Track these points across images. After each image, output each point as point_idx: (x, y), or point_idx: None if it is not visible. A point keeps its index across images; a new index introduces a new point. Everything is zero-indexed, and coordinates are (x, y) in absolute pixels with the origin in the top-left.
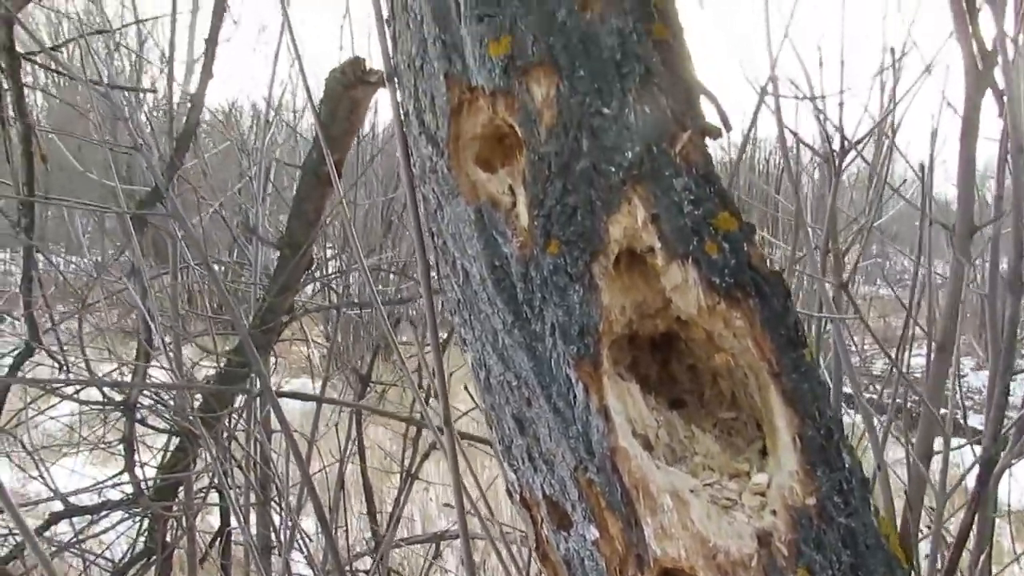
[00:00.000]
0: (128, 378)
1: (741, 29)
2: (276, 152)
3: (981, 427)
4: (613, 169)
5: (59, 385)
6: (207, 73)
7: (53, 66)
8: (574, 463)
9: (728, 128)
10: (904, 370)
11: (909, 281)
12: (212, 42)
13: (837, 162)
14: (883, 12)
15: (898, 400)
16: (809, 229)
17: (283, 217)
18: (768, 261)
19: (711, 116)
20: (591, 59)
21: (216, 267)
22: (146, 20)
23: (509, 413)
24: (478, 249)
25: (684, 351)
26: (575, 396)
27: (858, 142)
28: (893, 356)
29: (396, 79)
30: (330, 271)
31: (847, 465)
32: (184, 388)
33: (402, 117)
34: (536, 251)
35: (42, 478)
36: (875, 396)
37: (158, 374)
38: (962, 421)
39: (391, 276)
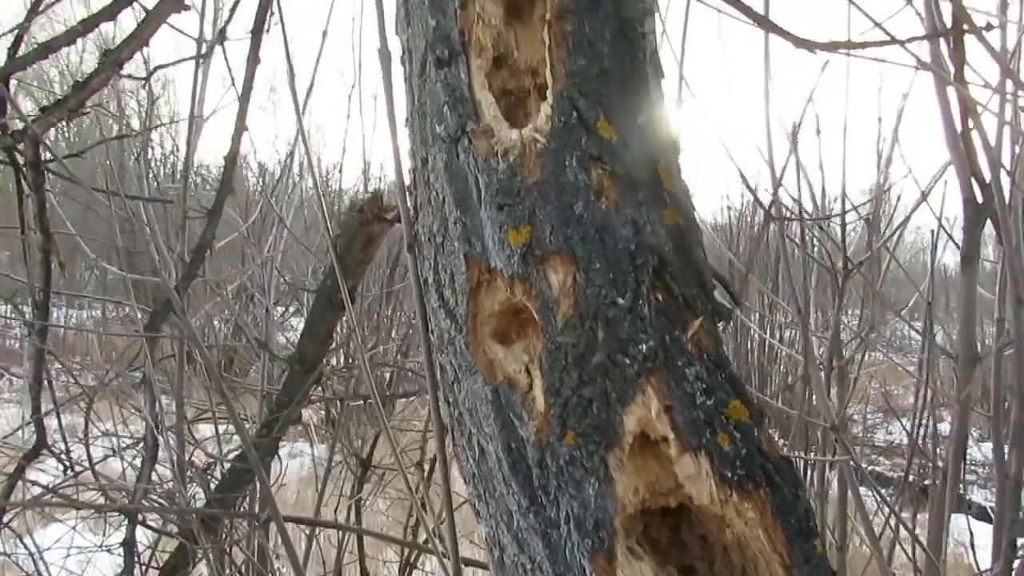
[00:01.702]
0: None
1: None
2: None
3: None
4: (628, 361)
5: (66, 484)
6: (226, 187)
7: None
8: None
9: (739, 307)
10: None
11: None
12: (231, 161)
13: (840, 281)
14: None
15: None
16: (814, 339)
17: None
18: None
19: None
20: (607, 249)
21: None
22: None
23: None
24: (495, 429)
25: (695, 522)
26: None
27: (860, 263)
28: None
29: (416, 249)
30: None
31: None
32: (187, 513)
33: (422, 285)
34: (552, 439)
35: None
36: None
37: (162, 471)
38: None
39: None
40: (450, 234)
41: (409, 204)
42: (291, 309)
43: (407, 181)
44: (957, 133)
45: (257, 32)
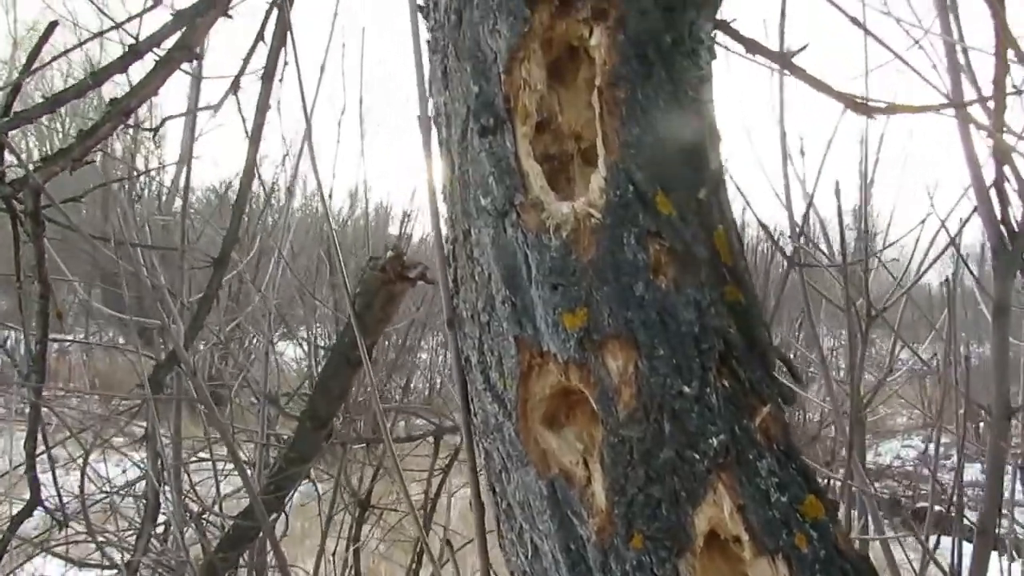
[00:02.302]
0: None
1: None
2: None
3: None
4: (698, 456)
5: (58, 544)
6: (232, 237)
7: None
8: None
9: (802, 387)
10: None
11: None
12: (239, 211)
13: (864, 328)
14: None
15: None
16: (835, 384)
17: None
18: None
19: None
20: (669, 333)
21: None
22: (163, 167)
23: None
24: (551, 528)
25: None
26: None
27: (884, 309)
28: None
29: (457, 325)
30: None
31: None
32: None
33: (462, 362)
34: (617, 541)
35: None
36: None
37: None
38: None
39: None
40: (498, 314)
41: (449, 277)
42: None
43: (445, 251)
44: (984, 181)
45: (268, 79)
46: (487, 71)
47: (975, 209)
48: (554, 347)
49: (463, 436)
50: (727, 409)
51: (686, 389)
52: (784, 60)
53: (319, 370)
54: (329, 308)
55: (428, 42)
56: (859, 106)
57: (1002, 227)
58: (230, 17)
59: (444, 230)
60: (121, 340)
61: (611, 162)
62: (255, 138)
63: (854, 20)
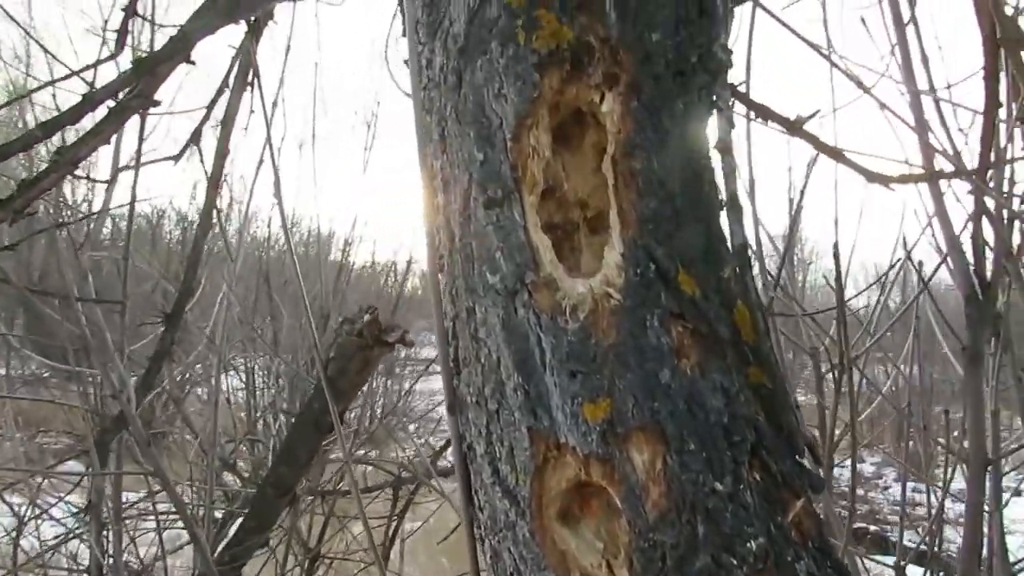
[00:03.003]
0: None
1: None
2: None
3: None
4: (735, 562)
5: None
6: (187, 292)
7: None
8: None
9: (821, 485)
10: None
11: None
12: (194, 263)
13: (838, 377)
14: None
15: None
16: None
17: None
18: None
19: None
20: (698, 424)
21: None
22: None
23: None
24: None
25: None
26: None
27: (857, 357)
28: None
29: (459, 410)
30: None
31: None
32: None
33: (464, 451)
34: None
35: None
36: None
37: None
38: None
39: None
40: (508, 401)
41: (449, 356)
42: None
43: (445, 328)
44: (953, 230)
45: (227, 124)
46: (492, 137)
47: (945, 256)
48: (573, 440)
49: (466, 534)
50: (761, 507)
51: (719, 486)
52: (794, 126)
53: (264, 406)
54: (267, 341)
55: (422, 101)
56: (876, 176)
57: (974, 277)
58: (193, 63)
59: (445, 305)
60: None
61: (629, 238)
62: (213, 187)
63: (824, 55)
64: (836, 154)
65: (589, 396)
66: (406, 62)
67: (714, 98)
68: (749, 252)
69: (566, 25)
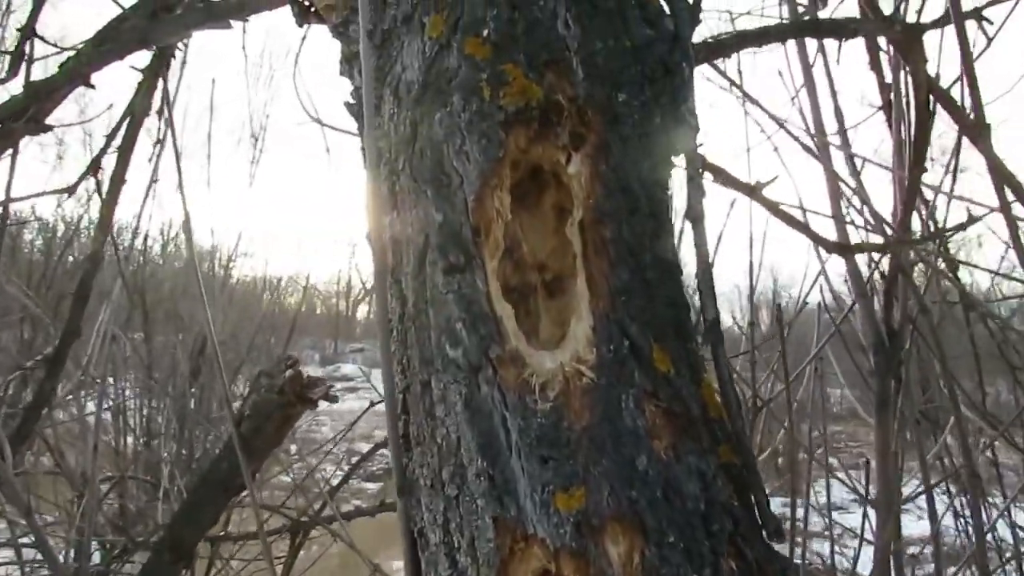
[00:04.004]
0: None
1: None
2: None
3: None
4: None
5: None
6: (72, 332)
7: None
8: None
9: (794, 570)
10: None
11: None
12: (81, 301)
13: (752, 418)
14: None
15: None
16: None
17: None
18: None
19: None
20: (676, 513)
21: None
22: None
23: None
24: None
25: None
26: None
27: (770, 400)
28: None
29: (408, 493)
30: None
31: None
32: None
33: (414, 537)
34: None
35: None
36: None
37: None
38: None
39: None
40: (470, 487)
41: (399, 431)
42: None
43: (395, 401)
44: (862, 281)
45: (126, 151)
46: (452, 197)
47: (853, 304)
48: (543, 531)
49: None
50: None
51: None
52: (754, 192)
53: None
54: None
55: (363, 149)
56: (835, 246)
57: (883, 326)
58: (92, 87)
59: (395, 375)
60: None
61: (600, 311)
62: (103, 229)
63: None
64: (792, 221)
65: (562, 484)
66: (347, 104)
67: (679, 158)
68: (722, 326)
69: (535, 82)
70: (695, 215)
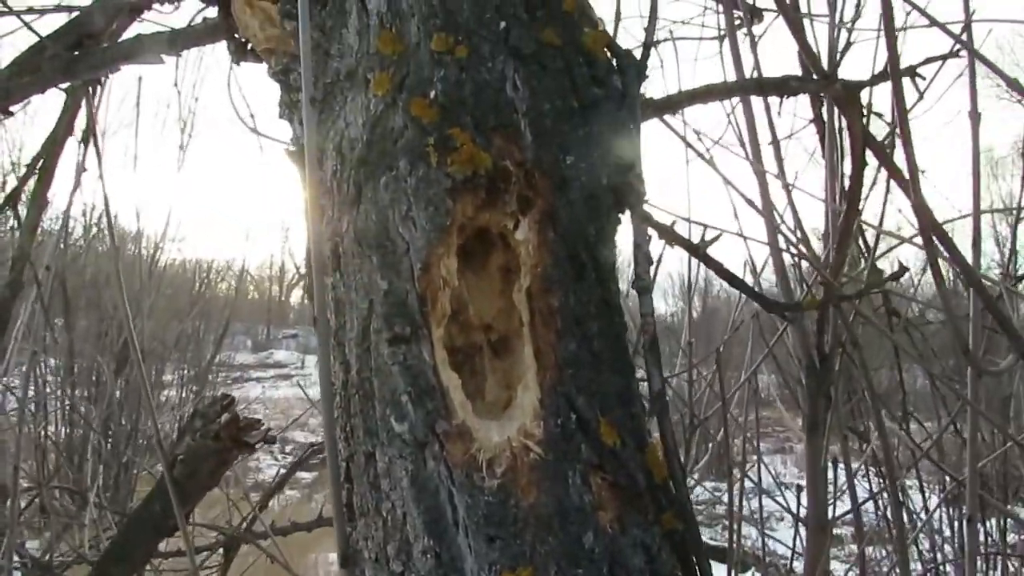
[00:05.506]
0: None
1: None
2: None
3: None
4: None
5: None
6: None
7: None
8: None
9: None
10: None
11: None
12: (4, 319)
13: (687, 437)
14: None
15: None
16: None
17: None
18: None
19: None
20: None
21: None
22: None
23: None
24: None
25: None
26: None
27: (706, 418)
28: None
29: (352, 566)
30: None
31: None
32: None
33: None
34: None
35: None
36: None
37: None
38: None
39: None
40: (415, 564)
41: (342, 499)
42: None
43: (339, 469)
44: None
45: (47, 171)
46: (398, 264)
47: (785, 327)
48: None
49: None
50: None
51: None
52: (698, 251)
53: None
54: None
55: (306, 199)
56: (776, 306)
57: (815, 351)
58: (10, 115)
59: (338, 442)
60: None
61: (548, 383)
62: (25, 253)
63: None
64: (736, 282)
65: (509, 564)
66: (288, 151)
67: (621, 221)
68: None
69: (483, 148)
70: (642, 286)
